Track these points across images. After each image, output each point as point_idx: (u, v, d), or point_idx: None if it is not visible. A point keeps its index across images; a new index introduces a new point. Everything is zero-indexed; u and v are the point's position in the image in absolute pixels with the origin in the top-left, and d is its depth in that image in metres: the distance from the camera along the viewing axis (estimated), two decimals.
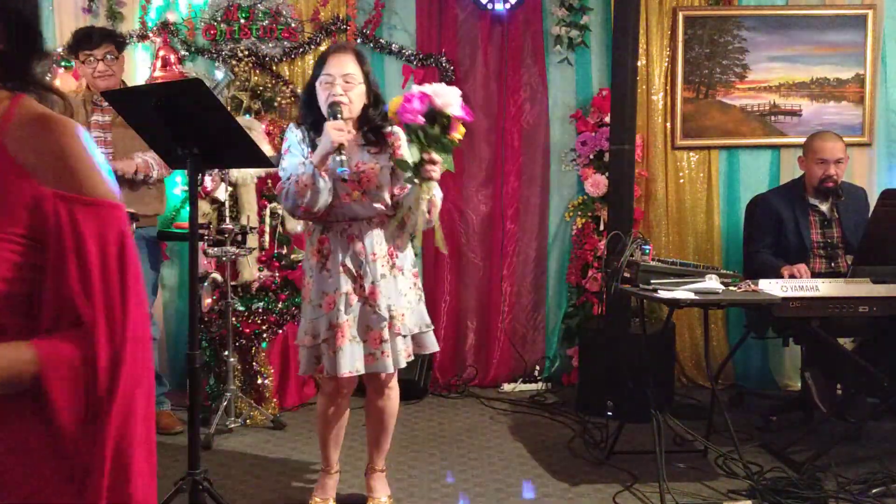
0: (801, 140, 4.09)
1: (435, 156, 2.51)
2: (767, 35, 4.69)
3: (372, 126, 2.72)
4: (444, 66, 4.67)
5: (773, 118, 4.75)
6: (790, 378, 4.68)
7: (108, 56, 3.71)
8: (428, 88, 2.48)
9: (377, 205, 2.70)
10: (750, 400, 4.37)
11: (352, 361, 2.64)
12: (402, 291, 2.74)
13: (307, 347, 2.72)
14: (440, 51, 4.70)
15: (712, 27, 4.71)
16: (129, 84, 4.18)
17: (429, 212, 2.60)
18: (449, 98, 2.48)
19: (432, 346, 2.85)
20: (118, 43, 3.80)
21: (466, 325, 4.83)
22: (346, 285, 2.67)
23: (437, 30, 4.72)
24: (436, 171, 2.53)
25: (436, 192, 2.64)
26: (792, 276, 3.52)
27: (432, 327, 2.86)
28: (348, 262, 2.68)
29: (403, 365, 2.74)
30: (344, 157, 2.49)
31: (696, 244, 4.81)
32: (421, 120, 2.47)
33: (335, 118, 2.56)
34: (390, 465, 3.14)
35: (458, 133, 2.55)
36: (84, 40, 3.69)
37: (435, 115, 2.47)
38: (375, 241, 2.69)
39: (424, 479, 3.26)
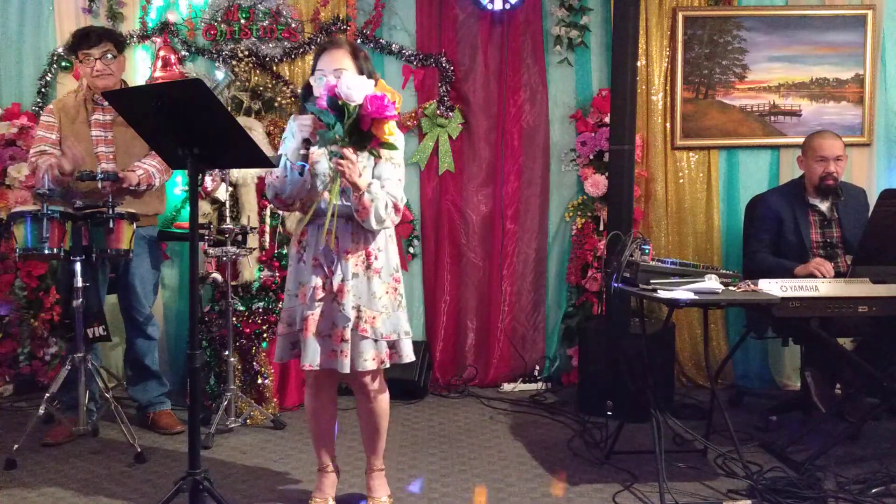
0: (801, 140, 4.09)
1: (347, 150, 2.50)
2: (767, 35, 4.70)
3: None
4: (444, 66, 4.68)
5: (772, 118, 4.75)
6: (790, 378, 4.68)
7: (108, 55, 3.71)
8: (341, 80, 2.46)
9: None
10: (749, 400, 4.37)
11: (313, 355, 2.65)
12: (376, 294, 2.69)
13: (283, 336, 2.76)
14: (440, 51, 4.70)
15: (712, 27, 4.71)
16: (130, 84, 4.19)
17: (358, 212, 2.58)
18: (353, 90, 2.43)
19: (408, 355, 2.79)
20: (117, 42, 3.79)
21: (466, 324, 4.83)
22: (316, 280, 2.68)
23: (437, 30, 4.72)
24: (346, 166, 2.51)
25: (367, 198, 2.58)
26: (811, 276, 3.51)
27: (410, 335, 2.80)
28: (321, 257, 2.69)
29: (369, 368, 2.67)
30: (306, 152, 2.55)
31: (695, 244, 4.81)
32: (324, 107, 2.47)
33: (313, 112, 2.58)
34: (390, 465, 3.15)
35: (387, 133, 2.52)
36: (82, 39, 3.70)
37: (339, 106, 2.45)
38: (351, 239, 2.68)
39: (424, 478, 3.27)
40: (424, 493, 3.11)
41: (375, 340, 2.69)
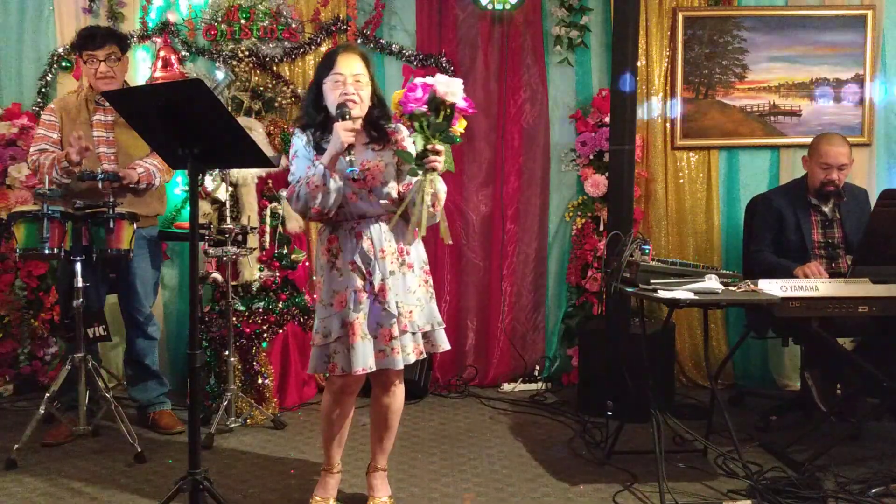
0: (801, 140, 4.10)
1: (439, 146, 2.52)
2: (767, 35, 4.70)
3: (375, 125, 2.73)
4: (444, 66, 4.68)
5: (772, 118, 4.75)
6: (790, 378, 4.68)
7: (111, 57, 3.72)
8: (430, 79, 2.49)
9: (384, 202, 2.71)
10: (750, 400, 4.38)
11: (364, 358, 2.64)
12: (410, 288, 2.74)
13: (318, 347, 2.73)
14: (440, 51, 4.70)
15: (712, 27, 4.71)
16: (130, 84, 4.19)
17: (433, 205, 2.59)
18: (452, 88, 2.48)
19: (443, 344, 2.84)
20: (121, 44, 3.80)
21: (466, 324, 4.83)
22: (356, 283, 2.68)
23: (437, 30, 4.73)
24: (439, 162, 2.53)
25: (440, 186, 2.64)
26: (806, 277, 3.51)
27: (443, 325, 2.85)
28: (357, 260, 2.69)
29: (412, 361, 2.73)
30: (353, 157, 2.52)
31: (695, 244, 4.81)
32: (424, 108, 2.47)
33: (343, 118, 2.56)
34: (391, 465, 3.15)
35: (459, 126, 2.55)
36: (88, 40, 3.70)
37: (438, 104, 2.48)
38: (384, 238, 2.70)
39: (424, 478, 3.27)
40: (425, 493, 3.11)
41: (413, 333, 2.73)
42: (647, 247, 3.26)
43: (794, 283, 3.19)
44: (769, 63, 4.72)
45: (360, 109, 2.67)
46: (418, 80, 2.50)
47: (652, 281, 3.08)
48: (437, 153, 2.52)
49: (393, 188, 2.72)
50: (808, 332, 3.35)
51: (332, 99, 2.66)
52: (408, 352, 2.71)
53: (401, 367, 2.70)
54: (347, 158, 2.51)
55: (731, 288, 3.12)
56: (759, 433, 3.80)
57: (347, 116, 2.57)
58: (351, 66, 2.66)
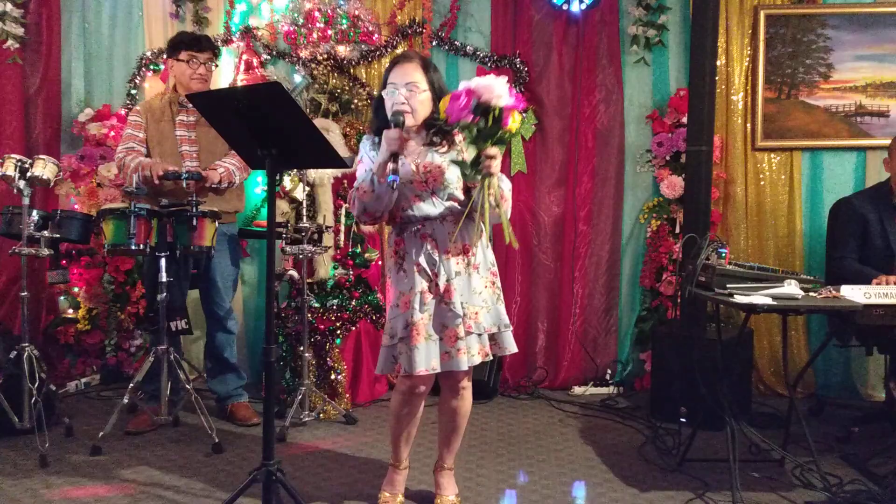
0: (889, 142, 3.93)
1: (492, 150, 2.52)
2: (853, 34, 4.54)
3: (437, 129, 2.75)
4: (518, 67, 4.68)
5: (859, 119, 4.59)
6: (874, 388, 4.51)
7: (210, 63, 3.92)
8: (472, 83, 2.46)
9: (448, 203, 2.73)
10: (830, 410, 4.23)
11: (427, 359, 2.66)
12: (475, 289, 2.74)
13: (386, 347, 2.77)
14: (514, 52, 4.70)
15: (795, 26, 4.58)
16: (213, 87, 4.33)
17: (497, 206, 2.60)
18: (494, 89, 2.44)
19: (510, 346, 2.83)
20: (217, 55, 4.06)
21: (537, 326, 4.82)
22: (421, 284, 2.70)
23: (512, 31, 4.72)
24: (495, 165, 2.53)
25: (504, 186, 2.65)
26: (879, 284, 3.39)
27: (510, 328, 2.84)
28: (422, 262, 2.71)
29: (477, 363, 2.74)
30: (395, 166, 2.54)
31: (776, 248, 4.68)
32: (470, 116, 2.46)
33: (396, 126, 2.60)
34: (458, 465, 3.17)
35: (513, 122, 2.50)
36: (193, 42, 3.90)
37: (483, 109, 2.45)
38: (449, 238, 2.72)
39: (492, 479, 3.28)
40: (492, 494, 3.12)
41: (479, 335, 2.73)
42: (723, 250, 3.20)
43: (877, 289, 3.07)
44: (855, 62, 4.56)
45: (411, 118, 2.69)
46: (462, 86, 2.48)
47: (728, 285, 3.01)
48: (491, 157, 2.52)
49: (457, 189, 2.73)
50: (893, 340, 3.22)
51: (387, 107, 2.71)
52: (473, 353, 2.71)
53: (465, 368, 2.70)
54: (391, 166, 2.54)
55: (811, 294, 3.02)
56: (839, 444, 3.67)
57: (400, 124, 2.61)
58: (404, 76, 2.70)
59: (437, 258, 2.71)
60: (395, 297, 2.76)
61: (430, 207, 2.72)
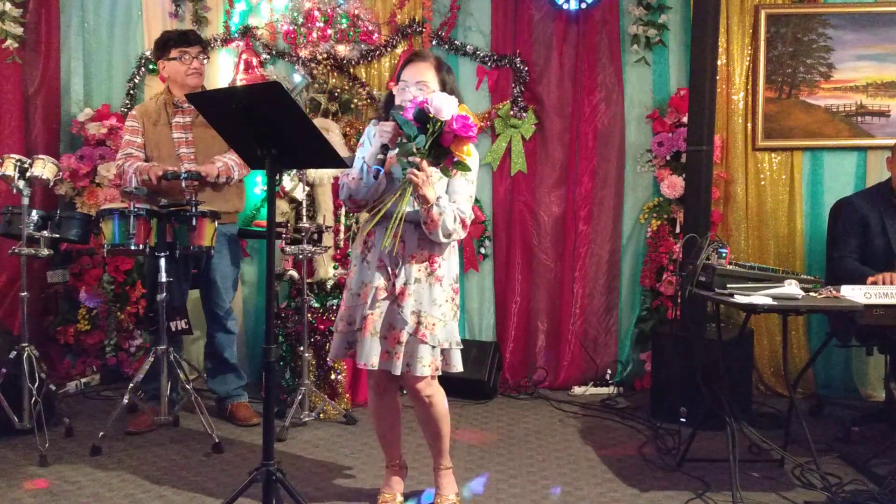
0: (890, 142, 3.93)
1: (424, 163, 2.54)
2: (854, 33, 4.54)
3: None
4: (518, 66, 4.67)
5: (859, 119, 4.59)
6: (874, 388, 4.50)
7: (201, 56, 3.92)
8: (430, 95, 2.55)
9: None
10: (831, 410, 4.23)
11: (368, 354, 2.68)
12: (436, 301, 2.71)
13: (341, 333, 2.80)
14: (514, 51, 4.70)
15: (796, 25, 4.58)
16: (212, 86, 4.34)
17: (425, 223, 2.62)
18: (443, 106, 2.49)
19: (457, 365, 2.78)
20: (205, 49, 4.06)
21: (537, 326, 4.81)
22: (379, 280, 2.71)
23: (512, 30, 4.72)
24: (419, 177, 2.54)
25: (436, 211, 2.61)
26: (875, 283, 3.38)
27: (461, 346, 2.79)
28: (385, 259, 2.72)
29: (423, 374, 2.68)
30: (383, 157, 2.59)
31: (777, 248, 4.68)
32: (409, 115, 2.52)
33: (394, 119, 2.61)
34: (458, 464, 3.16)
35: (456, 148, 2.54)
36: (181, 38, 3.90)
37: (423, 116, 2.50)
38: (417, 244, 2.71)
39: (492, 479, 3.27)
40: (492, 493, 3.11)
41: (433, 347, 2.71)
42: (724, 250, 3.19)
43: (878, 289, 3.07)
44: (856, 62, 4.56)
45: None
46: (419, 97, 2.56)
47: (729, 285, 3.01)
48: (413, 165, 2.53)
49: (439, 194, 2.70)
50: (894, 341, 3.22)
51: (396, 102, 2.72)
52: (424, 364, 2.68)
53: (398, 372, 2.67)
54: (378, 157, 2.59)
55: (811, 294, 3.02)
56: (839, 444, 3.67)
57: (396, 118, 2.62)
58: (416, 74, 2.71)
59: (399, 259, 2.71)
60: (355, 285, 2.77)
61: (408, 207, 2.70)
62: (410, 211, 2.67)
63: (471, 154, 2.63)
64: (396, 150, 2.63)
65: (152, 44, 4.76)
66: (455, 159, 2.58)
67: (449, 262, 2.78)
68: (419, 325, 2.69)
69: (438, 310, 2.72)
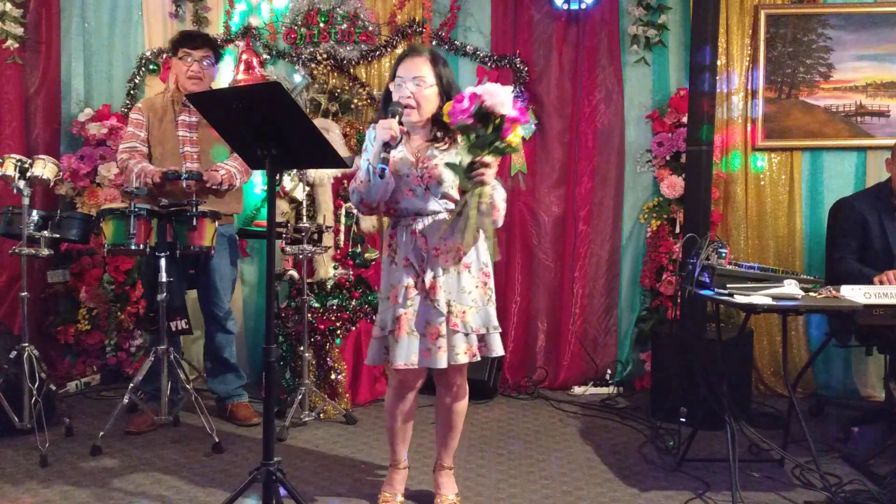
0: (889, 142, 3.94)
1: (487, 158, 2.50)
2: (854, 33, 4.54)
3: (441, 123, 2.73)
4: (518, 66, 4.68)
5: (859, 119, 4.59)
6: (874, 388, 4.51)
7: (205, 61, 3.85)
8: (479, 88, 2.45)
9: (442, 201, 2.72)
10: (831, 410, 4.23)
11: (407, 354, 2.67)
12: (465, 288, 2.73)
13: (376, 339, 2.79)
14: (514, 52, 4.70)
15: (795, 25, 4.58)
16: (214, 86, 4.33)
17: (487, 215, 2.58)
18: (500, 97, 2.42)
19: (497, 349, 2.81)
20: (216, 52, 3.96)
21: (537, 326, 4.82)
22: (408, 279, 2.71)
23: (512, 31, 4.72)
24: (488, 175, 2.52)
25: (497, 195, 2.64)
26: (881, 283, 3.39)
27: (499, 330, 2.83)
28: (411, 257, 2.72)
29: (462, 362, 2.72)
30: (385, 155, 2.55)
31: (776, 248, 4.68)
32: (470, 119, 2.44)
33: (392, 116, 2.61)
34: (458, 464, 3.16)
35: (514, 136, 2.49)
36: (187, 39, 3.87)
37: (485, 115, 2.44)
38: (435, 237, 2.71)
39: (492, 479, 3.27)
40: (492, 493, 3.12)
41: (466, 334, 2.72)
42: (724, 250, 3.19)
43: (877, 289, 3.08)
44: (856, 62, 4.56)
45: (417, 114, 2.69)
46: (467, 90, 2.46)
47: (728, 285, 3.01)
48: (485, 166, 2.50)
49: (452, 188, 2.71)
50: (894, 340, 3.23)
51: (393, 100, 2.71)
52: (458, 352, 2.69)
53: (444, 365, 2.69)
54: (382, 155, 2.56)
55: (811, 294, 3.02)
56: (839, 444, 3.67)
57: (397, 116, 2.61)
58: (411, 69, 2.69)
59: (424, 255, 2.71)
60: (385, 289, 2.78)
61: (422, 203, 2.71)
62: (422, 204, 2.69)
63: (519, 136, 2.57)
64: (462, 148, 2.56)
65: (152, 44, 4.81)
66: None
67: (477, 248, 2.77)
68: (450, 315, 2.69)
69: (468, 297, 2.72)
